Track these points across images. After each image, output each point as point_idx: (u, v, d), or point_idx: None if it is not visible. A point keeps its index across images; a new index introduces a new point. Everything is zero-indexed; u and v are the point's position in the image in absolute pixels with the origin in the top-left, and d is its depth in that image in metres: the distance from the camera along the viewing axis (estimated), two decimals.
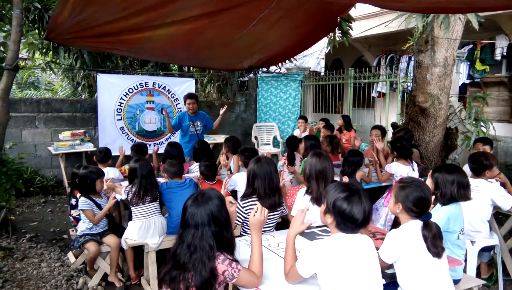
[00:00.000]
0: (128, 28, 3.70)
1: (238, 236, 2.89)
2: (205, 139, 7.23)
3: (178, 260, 1.89)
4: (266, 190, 2.86)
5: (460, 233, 2.64)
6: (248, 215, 2.87)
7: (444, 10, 3.80)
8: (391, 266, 2.17)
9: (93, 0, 3.04)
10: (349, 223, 1.89)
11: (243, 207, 2.90)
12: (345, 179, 3.58)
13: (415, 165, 4.20)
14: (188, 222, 1.93)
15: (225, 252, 1.94)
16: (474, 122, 5.83)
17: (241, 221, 2.93)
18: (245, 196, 2.96)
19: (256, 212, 2.09)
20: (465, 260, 3.32)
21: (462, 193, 2.65)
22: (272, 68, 9.27)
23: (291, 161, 4.69)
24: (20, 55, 4.28)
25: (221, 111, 5.83)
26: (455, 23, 4.95)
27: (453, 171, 2.72)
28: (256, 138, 9.04)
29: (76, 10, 3.15)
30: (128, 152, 4.74)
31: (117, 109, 7.16)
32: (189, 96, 5.62)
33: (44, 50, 7.16)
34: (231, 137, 5.06)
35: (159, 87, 7.47)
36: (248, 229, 2.91)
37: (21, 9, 3.87)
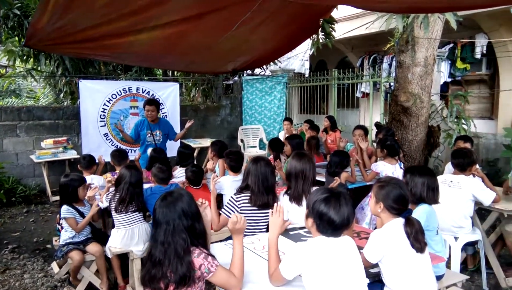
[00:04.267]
0: (110, 33, 3.65)
1: (222, 240, 2.88)
2: (190, 143, 7.24)
3: (154, 259, 1.90)
4: (260, 187, 2.91)
5: (437, 229, 2.68)
6: (241, 210, 2.89)
7: (425, 10, 3.85)
8: (375, 265, 2.18)
9: (73, 6, 2.99)
10: (327, 225, 1.90)
11: (236, 201, 2.94)
12: (337, 180, 3.61)
13: (402, 164, 4.24)
14: (159, 221, 1.95)
15: (200, 246, 1.96)
16: (455, 120, 5.93)
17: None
18: (240, 191, 3.00)
19: (235, 220, 2.08)
20: (449, 256, 3.37)
21: (430, 195, 2.69)
22: (257, 70, 9.28)
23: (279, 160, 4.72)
24: (0, 63, 4.19)
25: (187, 125, 5.46)
26: (435, 23, 5.02)
27: (424, 174, 2.76)
28: (242, 141, 9.04)
29: (56, 16, 3.10)
30: (108, 159, 4.66)
31: (101, 115, 7.07)
32: (148, 102, 5.27)
33: (25, 57, 7.02)
34: (218, 141, 5.03)
35: (143, 92, 7.41)
36: None
37: None
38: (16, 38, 6.62)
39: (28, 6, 6.28)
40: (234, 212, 2.91)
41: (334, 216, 1.88)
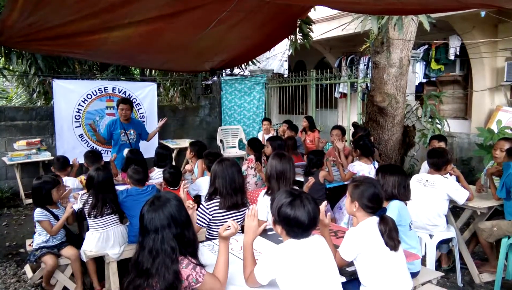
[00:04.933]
0: (83, 30, 3.58)
1: (202, 241, 2.85)
2: (169, 144, 7.16)
3: (141, 267, 1.84)
4: (228, 189, 2.86)
5: (410, 224, 2.73)
6: (213, 217, 2.85)
7: (399, 12, 3.92)
8: (351, 264, 2.20)
9: (44, 2, 2.91)
10: (297, 228, 1.89)
11: (207, 209, 2.87)
12: (311, 179, 3.62)
13: (376, 164, 4.30)
14: (147, 228, 1.88)
15: (189, 255, 1.91)
16: (430, 120, 6.06)
17: (206, 223, 2.89)
18: (209, 197, 2.94)
19: (228, 227, 2.04)
20: (424, 254, 3.44)
21: (402, 192, 2.75)
22: (236, 70, 9.26)
23: (259, 161, 4.71)
24: None
25: (160, 123, 5.54)
26: (409, 24, 5.12)
27: (395, 172, 2.81)
28: (221, 141, 9.00)
29: (27, 12, 3.01)
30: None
31: (75, 116, 6.91)
32: (122, 101, 5.25)
33: None
34: (197, 141, 4.99)
35: (119, 92, 7.28)
36: (214, 232, 2.89)
37: None
38: None
39: None
40: (205, 219, 2.88)
41: (301, 217, 1.87)
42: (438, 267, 3.87)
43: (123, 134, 5.21)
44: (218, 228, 2.10)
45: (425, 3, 3.01)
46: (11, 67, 7.28)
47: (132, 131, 5.30)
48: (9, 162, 6.34)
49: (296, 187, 2.76)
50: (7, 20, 3.16)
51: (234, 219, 2.88)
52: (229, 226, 2.04)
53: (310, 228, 1.91)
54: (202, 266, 1.93)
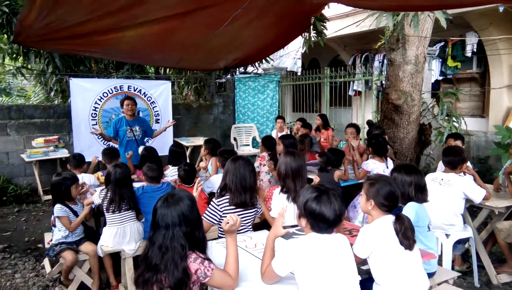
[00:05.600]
0: (98, 29, 3.62)
1: (215, 239, 2.88)
2: (183, 142, 7.22)
3: (150, 262, 1.88)
4: (237, 186, 2.86)
5: (429, 225, 2.69)
6: (224, 213, 2.87)
7: (415, 8, 3.87)
8: (365, 262, 2.19)
9: (61, 2, 2.97)
10: (321, 223, 1.91)
11: (218, 205, 2.89)
12: (316, 179, 3.59)
13: (389, 162, 4.26)
14: (159, 224, 1.91)
15: (197, 251, 1.93)
16: (446, 118, 5.97)
17: (217, 219, 2.91)
18: (220, 194, 2.96)
19: (228, 222, 2.06)
20: (441, 253, 3.40)
21: (418, 195, 2.70)
22: (249, 69, 9.27)
23: (274, 161, 4.70)
24: None
25: (167, 124, 5.75)
26: (425, 21, 5.05)
27: (411, 172, 2.76)
28: (235, 139, 9.03)
29: (44, 12, 3.07)
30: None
31: (92, 113, 7.02)
32: (126, 97, 5.41)
33: (14, 55, 6.96)
34: (211, 139, 5.02)
35: (134, 90, 7.37)
36: None
37: None
38: (5, 35, 6.54)
39: (16, 3, 6.20)
40: (216, 216, 2.89)
41: (327, 213, 1.89)
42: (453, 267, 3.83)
43: (129, 130, 5.32)
44: None
45: None
46: (29, 66, 7.42)
47: (137, 128, 5.40)
48: (28, 159, 6.47)
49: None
50: (25, 20, 3.22)
51: (242, 218, 2.90)
52: (229, 220, 2.05)
53: (335, 224, 1.93)
54: (210, 260, 1.95)
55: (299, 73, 9.71)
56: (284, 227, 2.61)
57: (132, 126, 5.35)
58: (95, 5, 3.07)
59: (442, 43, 8.13)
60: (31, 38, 3.64)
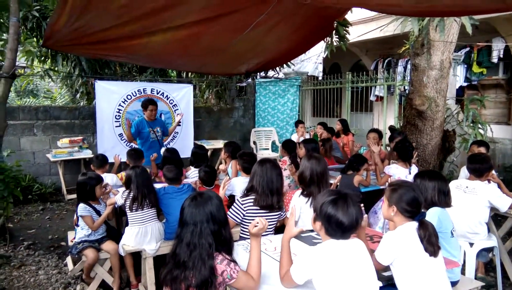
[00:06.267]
0: (124, 35, 3.71)
1: (236, 240, 2.89)
2: (204, 144, 7.28)
3: (178, 259, 1.91)
4: (264, 188, 2.88)
5: (452, 231, 2.64)
6: (247, 213, 2.88)
7: (440, 14, 3.83)
8: (387, 269, 2.16)
9: (90, 8, 3.06)
10: (336, 227, 1.88)
11: (242, 204, 2.92)
12: (338, 178, 3.58)
13: (413, 168, 4.19)
14: (187, 221, 1.95)
15: (224, 252, 1.95)
16: (471, 124, 5.85)
17: (240, 219, 2.93)
18: (245, 193, 2.98)
19: (256, 224, 2.07)
20: (464, 262, 3.32)
21: (442, 199, 2.66)
22: (270, 73, 9.30)
23: (295, 165, 4.70)
24: (18, 63, 4.29)
25: (177, 118, 5.88)
26: (451, 26, 4.97)
27: (434, 178, 2.72)
28: (254, 143, 9.05)
29: (73, 17, 3.17)
30: (124, 158, 4.72)
31: (116, 115, 7.16)
32: (151, 102, 5.54)
33: (43, 58, 7.18)
34: (231, 142, 5.04)
35: (157, 93, 7.48)
36: (247, 230, 2.92)
37: (18, 18, 3.90)
38: (35, 39, 6.76)
39: (46, 8, 6.41)
40: (239, 215, 2.91)
41: (343, 218, 1.86)
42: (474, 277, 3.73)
43: (151, 132, 5.47)
44: None
45: (467, 4, 2.92)
46: (56, 69, 7.64)
47: (158, 129, 5.59)
48: (53, 159, 6.64)
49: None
50: (55, 25, 3.33)
51: (268, 220, 2.91)
52: (257, 223, 2.06)
53: (350, 230, 1.90)
54: (235, 262, 1.96)
55: (320, 78, 9.68)
56: (303, 231, 2.61)
57: (153, 127, 5.49)
58: (122, 11, 3.15)
59: (468, 49, 7.97)
60: (60, 42, 3.76)
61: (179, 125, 6.07)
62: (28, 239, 4.85)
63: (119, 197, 3.44)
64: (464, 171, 4.10)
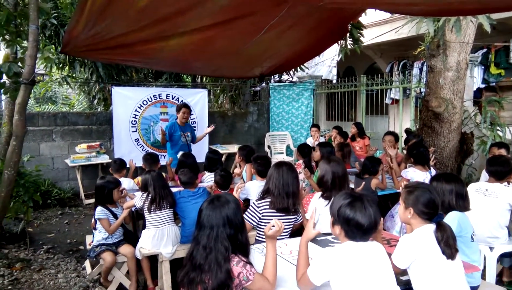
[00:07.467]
0: (141, 39, 3.76)
1: (252, 244, 2.89)
2: (218, 149, 7.31)
3: (194, 262, 1.91)
4: (280, 191, 2.88)
5: (472, 235, 2.59)
6: (263, 216, 2.88)
7: (457, 12, 3.76)
8: (405, 273, 2.13)
9: (107, 14, 3.11)
10: (356, 229, 1.87)
11: (258, 207, 2.91)
12: (361, 185, 3.55)
13: (433, 171, 4.13)
14: (204, 224, 1.95)
15: (240, 254, 1.95)
16: (490, 126, 5.73)
17: (256, 222, 2.92)
18: (261, 196, 2.98)
19: (272, 227, 2.07)
20: (484, 267, 3.25)
21: (460, 203, 2.61)
22: (284, 77, 9.30)
23: (309, 168, 4.68)
24: (37, 70, 4.37)
25: (207, 129, 6.02)
26: (467, 26, 4.89)
27: (451, 181, 2.67)
28: (269, 147, 9.04)
29: (90, 23, 3.23)
30: (140, 163, 4.78)
31: (132, 121, 7.25)
32: (185, 105, 5.71)
33: (61, 64, 7.33)
34: (245, 146, 5.06)
35: (172, 99, 7.56)
36: (263, 233, 2.92)
37: (37, 25, 3.98)
38: (53, 46, 6.91)
39: (64, 15, 6.56)
40: (255, 217, 2.91)
41: (362, 219, 1.85)
42: (498, 281, 3.64)
43: (182, 135, 5.62)
44: None
45: (485, 1, 2.87)
46: (74, 75, 7.79)
47: (188, 133, 5.75)
48: (71, 164, 6.75)
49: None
50: (73, 31, 3.40)
51: (284, 223, 2.90)
52: (273, 225, 2.06)
53: (370, 231, 1.88)
54: (251, 264, 1.96)
55: (334, 81, 9.63)
56: (320, 234, 2.59)
57: (184, 131, 5.66)
58: (138, 17, 3.19)
59: (485, 50, 7.83)
60: (77, 48, 3.83)
61: (206, 135, 6.22)
62: (47, 243, 4.93)
63: (138, 199, 3.48)
64: (484, 174, 4.01)
